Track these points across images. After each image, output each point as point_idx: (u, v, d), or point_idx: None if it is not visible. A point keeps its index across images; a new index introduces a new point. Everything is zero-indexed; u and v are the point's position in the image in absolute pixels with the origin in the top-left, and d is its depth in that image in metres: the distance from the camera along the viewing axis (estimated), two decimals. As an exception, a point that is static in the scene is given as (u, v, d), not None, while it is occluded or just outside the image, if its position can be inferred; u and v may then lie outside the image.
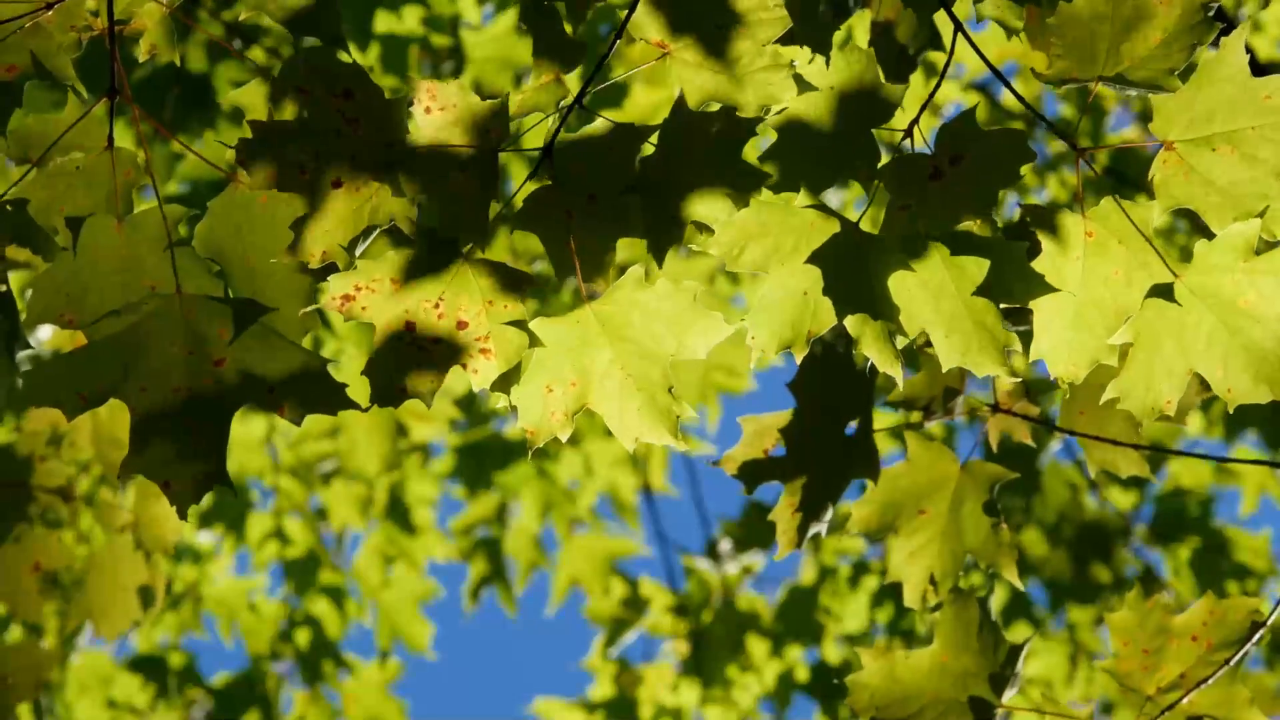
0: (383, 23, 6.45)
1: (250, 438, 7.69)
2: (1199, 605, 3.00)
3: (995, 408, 3.24)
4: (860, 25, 3.06)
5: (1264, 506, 8.00)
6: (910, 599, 3.18)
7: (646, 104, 6.54)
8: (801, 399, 3.16)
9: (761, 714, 8.21)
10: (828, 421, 3.17)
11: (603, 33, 6.39)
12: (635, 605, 8.29)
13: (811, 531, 3.14)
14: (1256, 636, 2.95)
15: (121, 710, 7.58)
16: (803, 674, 8.15)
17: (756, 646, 8.16)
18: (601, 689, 8.32)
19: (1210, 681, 2.97)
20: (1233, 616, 3.00)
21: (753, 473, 3.17)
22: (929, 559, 3.18)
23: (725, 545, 8.23)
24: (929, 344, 3.17)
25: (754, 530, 8.06)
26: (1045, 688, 7.99)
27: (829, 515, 3.15)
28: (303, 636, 7.98)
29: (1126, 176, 7.09)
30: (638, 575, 8.33)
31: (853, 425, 3.17)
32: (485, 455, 8.08)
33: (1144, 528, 8.04)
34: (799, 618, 8.08)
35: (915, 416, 3.24)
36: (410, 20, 6.48)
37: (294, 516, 7.93)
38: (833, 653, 8.13)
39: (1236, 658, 2.97)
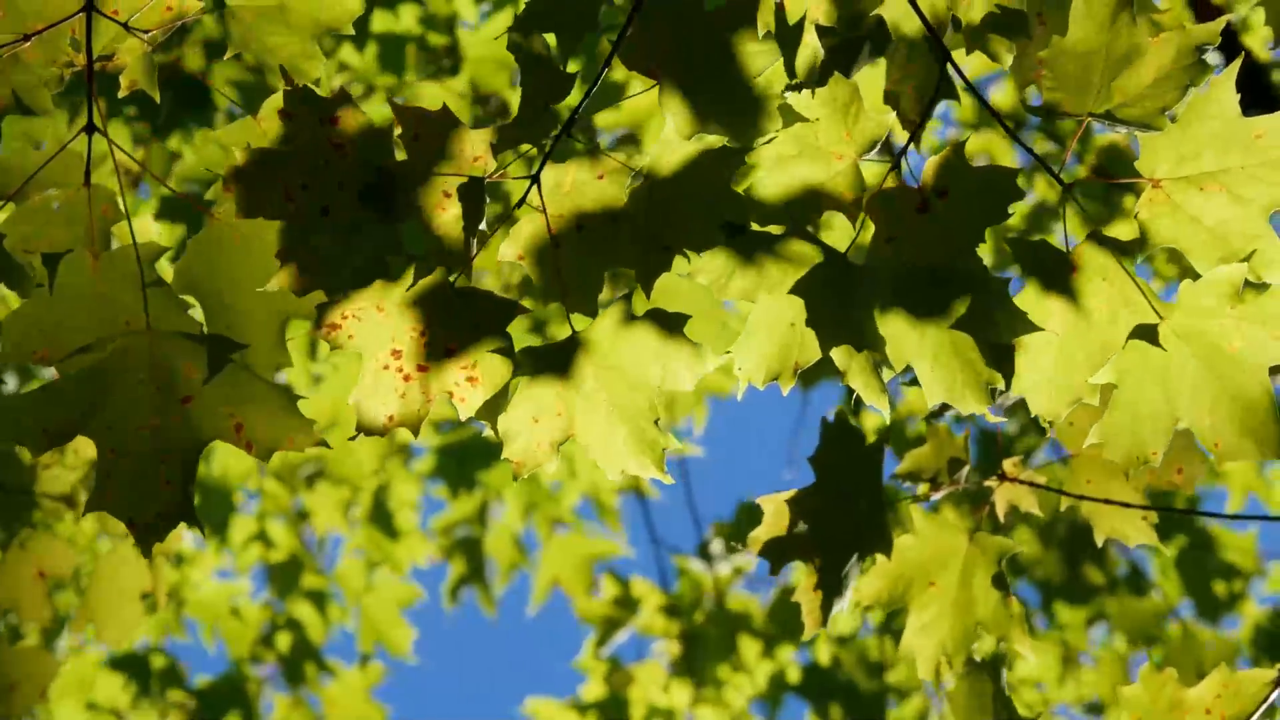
0: (380, 22, 6.44)
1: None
2: (1212, 678, 2.95)
3: (1002, 477, 3.24)
4: (875, 78, 3.04)
5: (1250, 506, 8.00)
6: (924, 671, 3.16)
7: (646, 104, 6.52)
8: (820, 473, 3.15)
9: (753, 715, 8.21)
10: (843, 497, 3.15)
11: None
12: (627, 605, 8.29)
13: (835, 609, 3.13)
14: (1265, 707, 2.92)
15: (102, 712, 7.56)
16: (794, 675, 8.15)
17: (748, 647, 8.16)
18: (593, 689, 8.31)
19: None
20: (1247, 689, 2.95)
21: (778, 552, 3.16)
22: (941, 632, 3.16)
23: (717, 546, 8.23)
24: (934, 415, 3.17)
25: (746, 531, 8.05)
26: (1037, 689, 8.00)
27: (851, 589, 3.14)
28: (284, 640, 7.98)
29: (1111, 173, 7.07)
30: (630, 575, 8.34)
31: (865, 500, 3.16)
32: (467, 455, 8.07)
33: (1133, 527, 8.03)
34: (791, 618, 8.08)
35: (923, 489, 3.23)
36: (407, 19, 6.46)
37: (278, 520, 7.92)
38: (824, 654, 8.13)
39: (1252, 724, 2.92)
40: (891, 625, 8.06)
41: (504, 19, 6.65)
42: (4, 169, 2.75)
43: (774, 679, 8.16)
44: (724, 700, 8.17)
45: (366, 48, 6.49)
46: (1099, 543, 3.24)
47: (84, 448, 4.68)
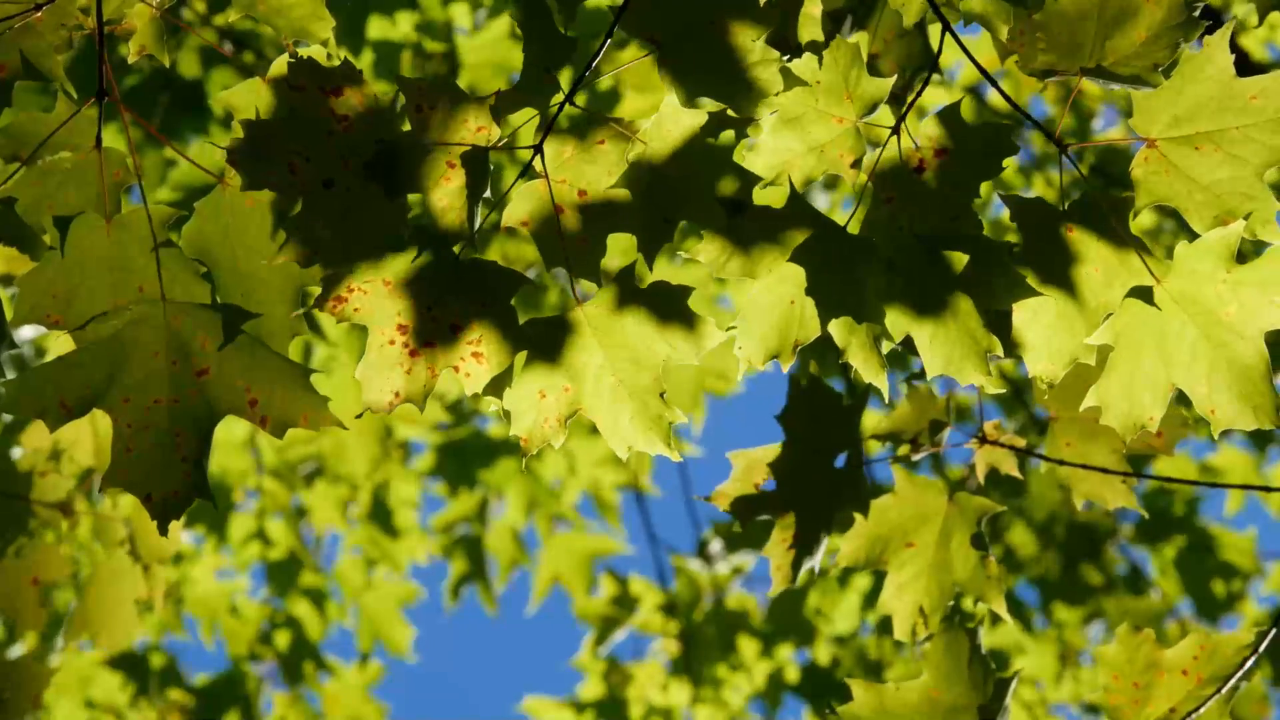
0: (376, 28, 6.45)
1: (233, 439, 7.68)
2: (1189, 640, 2.97)
3: (983, 439, 3.25)
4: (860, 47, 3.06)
5: (1249, 505, 8.01)
6: (900, 632, 3.17)
7: (636, 110, 6.54)
8: (790, 432, 3.16)
9: (751, 714, 8.21)
10: (817, 455, 3.17)
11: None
12: (625, 604, 8.29)
13: (805, 566, 3.14)
14: (1244, 670, 2.94)
15: (100, 710, 7.56)
16: (793, 674, 8.15)
17: (747, 646, 8.16)
18: (591, 688, 8.32)
19: (1200, 713, 2.94)
20: (1223, 651, 2.97)
21: (745, 508, 3.17)
22: (918, 592, 3.18)
23: (716, 545, 8.24)
24: (915, 378, 3.18)
25: (744, 531, 8.05)
26: (1035, 687, 8.00)
27: (822, 549, 3.15)
28: (283, 638, 7.98)
29: (1113, 176, 7.10)
30: (628, 574, 8.34)
31: (841, 458, 3.17)
32: (467, 453, 8.07)
33: (1130, 527, 8.06)
34: (789, 618, 8.08)
35: (903, 449, 3.24)
36: (404, 25, 6.47)
37: (276, 518, 7.92)
38: (823, 653, 8.13)
39: (1226, 688, 2.95)
40: (890, 624, 8.07)
41: (501, 25, 6.66)
42: (16, 133, 2.76)
43: (772, 678, 8.16)
44: (722, 699, 8.17)
45: (362, 54, 6.49)
46: (1078, 505, 3.26)
47: (79, 454, 4.68)
